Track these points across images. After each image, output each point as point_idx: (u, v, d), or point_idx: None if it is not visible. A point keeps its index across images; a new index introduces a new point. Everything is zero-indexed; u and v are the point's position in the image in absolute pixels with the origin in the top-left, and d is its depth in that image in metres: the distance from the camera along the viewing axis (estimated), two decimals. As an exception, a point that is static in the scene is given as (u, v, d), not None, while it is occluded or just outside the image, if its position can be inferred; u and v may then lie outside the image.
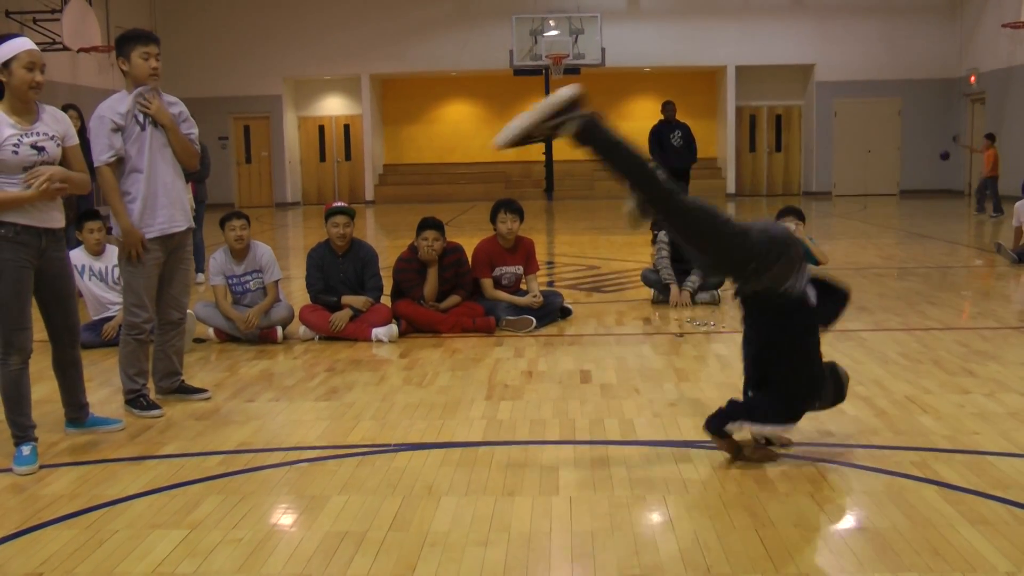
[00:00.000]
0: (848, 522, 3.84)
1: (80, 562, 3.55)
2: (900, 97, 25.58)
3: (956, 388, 5.76)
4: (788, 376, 4.37)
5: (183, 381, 5.91)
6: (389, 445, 4.90)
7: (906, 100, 25.57)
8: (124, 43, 5.44)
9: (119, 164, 5.39)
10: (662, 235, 9.09)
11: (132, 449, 4.93)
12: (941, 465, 4.40)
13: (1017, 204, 12.00)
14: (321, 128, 27.68)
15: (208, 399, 5.85)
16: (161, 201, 5.48)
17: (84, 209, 8.63)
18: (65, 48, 18.52)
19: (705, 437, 4.51)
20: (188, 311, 7.29)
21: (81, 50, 19.20)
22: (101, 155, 5.33)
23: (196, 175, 10.90)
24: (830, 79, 25.45)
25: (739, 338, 4.63)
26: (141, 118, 5.42)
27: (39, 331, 4.85)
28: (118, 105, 5.39)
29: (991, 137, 19.39)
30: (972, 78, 24.20)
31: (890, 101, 25.62)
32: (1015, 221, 11.95)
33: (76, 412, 5.17)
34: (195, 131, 5.70)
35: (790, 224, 8.30)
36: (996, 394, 5.61)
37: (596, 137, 4.22)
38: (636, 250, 13.65)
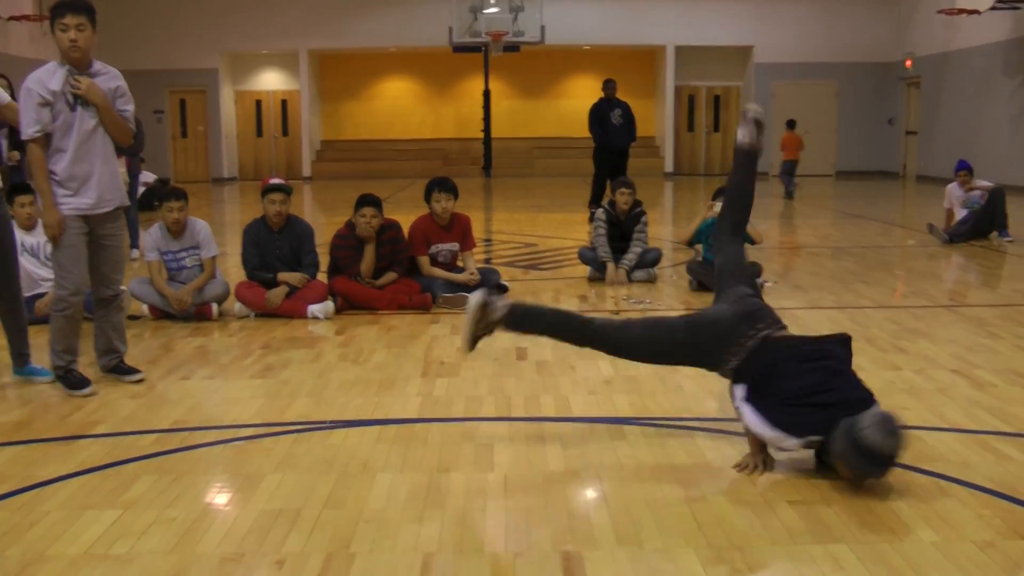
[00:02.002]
0: (779, 494, 3.90)
1: (11, 544, 3.49)
2: (836, 80, 25.89)
3: (887, 364, 5.87)
4: None
5: (121, 360, 5.81)
6: (325, 422, 4.88)
7: (842, 83, 25.89)
8: (52, 14, 5.32)
9: (47, 140, 5.27)
10: (599, 213, 9.13)
11: (64, 429, 4.86)
12: (869, 440, 4.48)
13: (948, 186, 12.24)
14: (258, 103, 27.35)
15: (141, 382, 5.74)
16: (90, 182, 5.37)
17: (14, 182, 8.43)
18: (-5, 16, 18.08)
19: (639, 414, 4.53)
20: (123, 288, 7.23)
21: (12, 18, 18.75)
22: (28, 129, 5.20)
23: (130, 150, 10.75)
24: (768, 61, 25.66)
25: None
26: (71, 98, 5.28)
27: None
28: (48, 79, 5.23)
29: (791, 124, 20.06)
30: (908, 62, 24.56)
31: (827, 84, 25.92)
32: (946, 203, 12.19)
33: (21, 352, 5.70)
34: (131, 107, 5.57)
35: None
36: (926, 370, 5.73)
37: (524, 317, 4.54)
38: (574, 228, 13.70)
